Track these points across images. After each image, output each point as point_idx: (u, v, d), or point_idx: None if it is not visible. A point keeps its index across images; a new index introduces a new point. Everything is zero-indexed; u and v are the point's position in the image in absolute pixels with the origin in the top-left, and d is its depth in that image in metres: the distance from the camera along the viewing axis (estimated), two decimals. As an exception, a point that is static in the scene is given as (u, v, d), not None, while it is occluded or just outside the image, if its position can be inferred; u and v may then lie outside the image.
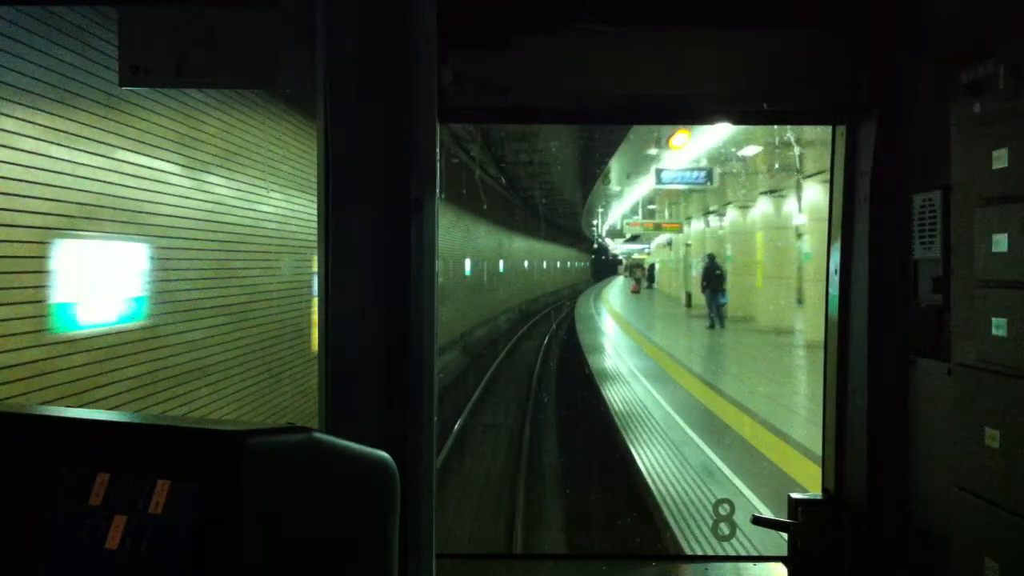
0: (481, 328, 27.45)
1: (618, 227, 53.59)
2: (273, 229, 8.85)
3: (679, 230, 35.69)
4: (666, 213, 38.21)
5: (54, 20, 5.34)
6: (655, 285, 53.22)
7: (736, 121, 2.93)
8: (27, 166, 5.11)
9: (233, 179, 8.00)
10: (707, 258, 24.16)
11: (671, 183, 22.05)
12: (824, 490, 2.54)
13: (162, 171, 6.68)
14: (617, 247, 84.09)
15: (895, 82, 2.31)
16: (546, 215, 49.82)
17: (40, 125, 5.20)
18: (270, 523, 1.18)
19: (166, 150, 6.72)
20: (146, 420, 1.36)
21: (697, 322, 24.45)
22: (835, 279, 2.49)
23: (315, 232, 2.14)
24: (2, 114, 4.87)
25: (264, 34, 2.14)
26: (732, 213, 25.76)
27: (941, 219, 2.10)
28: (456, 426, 13.46)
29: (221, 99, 7.65)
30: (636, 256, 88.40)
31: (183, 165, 7.03)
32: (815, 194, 17.26)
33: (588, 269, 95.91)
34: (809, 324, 17.02)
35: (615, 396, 13.04)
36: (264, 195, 8.58)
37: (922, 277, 2.20)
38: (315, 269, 2.22)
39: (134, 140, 6.28)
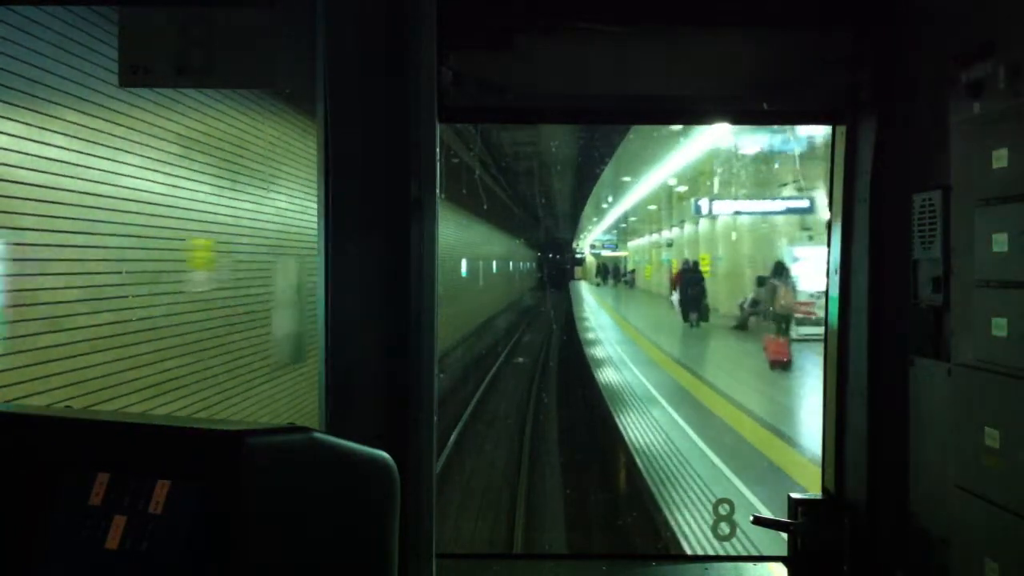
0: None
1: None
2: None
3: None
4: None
5: None
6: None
7: (736, 121, 2.93)
8: None
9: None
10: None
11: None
12: (824, 490, 2.54)
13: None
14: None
15: (895, 82, 2.30)
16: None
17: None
18: (270, 523, 1.18)
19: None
20: (146, 420, 1.36)
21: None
22: (835, 279, 2.49)
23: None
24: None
25: (264, 34, 2.14)
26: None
27: (941, 219, 2.10)
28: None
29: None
30: (607, 252, 59.78)
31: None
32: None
33: (533, 272, 59.76)
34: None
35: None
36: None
37: (922, 277, 2.20)
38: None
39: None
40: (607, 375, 16.91)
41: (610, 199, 41.16)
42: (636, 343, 22.35)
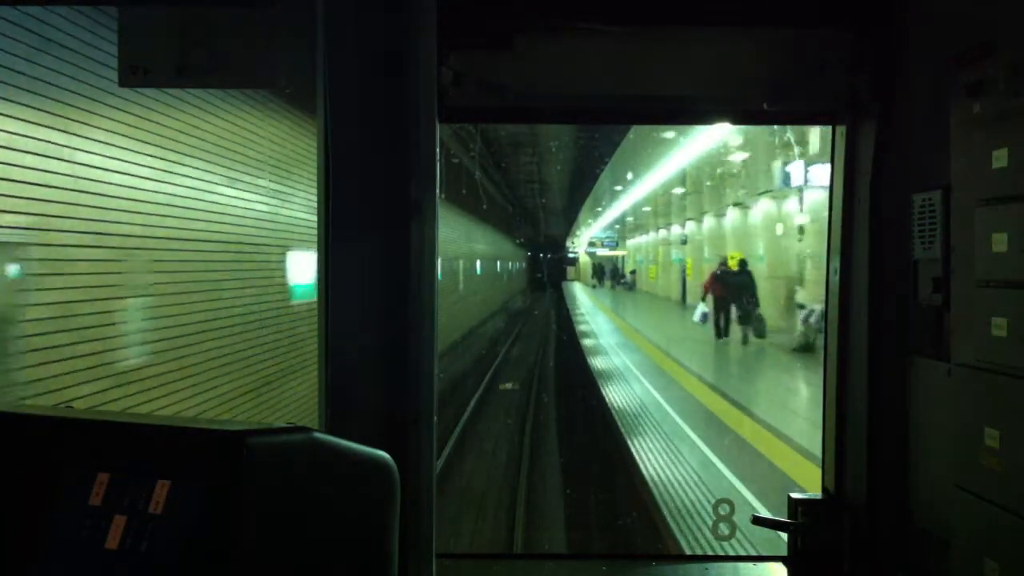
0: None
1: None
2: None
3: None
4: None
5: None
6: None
7: (736, 121, 2.94)
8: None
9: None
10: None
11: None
12: (824, 490, 2.54)
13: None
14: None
15: (895, 82, 2.30)
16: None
17: None
18: (270, 523, 1.18)
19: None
20: (146, 420, 1.36)
21: None
22: (835, 279, 2.49)
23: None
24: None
25: (264, 34, 2.14)
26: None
27: (941, 219, 2.10)
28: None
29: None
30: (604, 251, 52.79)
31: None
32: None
33: (522, 274, 52.97)
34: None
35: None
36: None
37: (922, 277, 2.20)
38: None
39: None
40: (654, 457, 9.65)
41: (630, 176, 33.24)
42: (682, 382, 14.48)
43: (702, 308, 19.85)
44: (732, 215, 24.35)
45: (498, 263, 38.19)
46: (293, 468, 1.22)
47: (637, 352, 19.54)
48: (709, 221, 27.55)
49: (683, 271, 30.93)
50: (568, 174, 34.89)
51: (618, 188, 37.21)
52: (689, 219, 30.82)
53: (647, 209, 40.00)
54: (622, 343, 21.82)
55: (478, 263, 29.25)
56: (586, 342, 23.05)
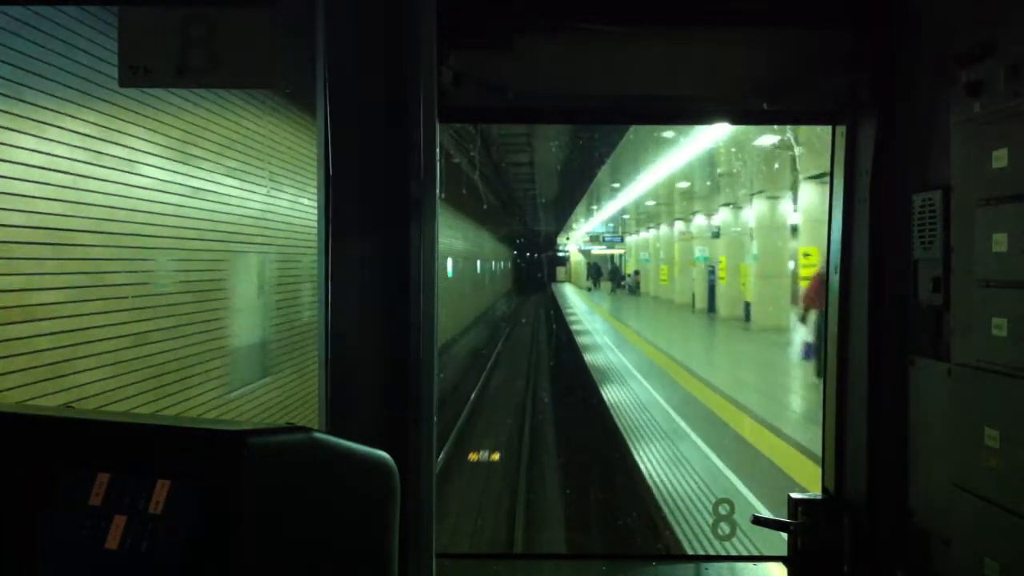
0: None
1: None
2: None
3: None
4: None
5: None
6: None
7: (736, 121, 2.94)
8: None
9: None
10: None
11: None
12: (824, 490, 2.54)
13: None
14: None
15: (895, 82, 2.31)
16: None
17: None
18: (270, 523, 1.18)
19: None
20: (146, 420, 1.36)
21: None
22: (835, 279, 2.49)
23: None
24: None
25: (264, 34, 2.14)
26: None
27: (941, 219, 2.10)
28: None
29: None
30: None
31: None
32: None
33: (508, 275, 48.02)
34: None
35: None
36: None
37: (922, 277, 2.20)
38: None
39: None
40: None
41: (634, 165, 26.29)
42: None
43: (805, 336, 13.90)
44: (808, 191, 17.79)
45: (478, 263, 33.23)
46: (293, 468, 1.22)
47: (720, 429, 10.51)
48: (760, 206, 20.81)
49: (712, 273, 25.00)
50: (560, 160, 30.24)
51: (621, 177, 30.40)
52: (726, 204, 24.18)
53: (682, 188, 29.28)
54: (679, 399, 12.47)
55: (449, 262, 24.34)
56: (611, 395, 13.25)
